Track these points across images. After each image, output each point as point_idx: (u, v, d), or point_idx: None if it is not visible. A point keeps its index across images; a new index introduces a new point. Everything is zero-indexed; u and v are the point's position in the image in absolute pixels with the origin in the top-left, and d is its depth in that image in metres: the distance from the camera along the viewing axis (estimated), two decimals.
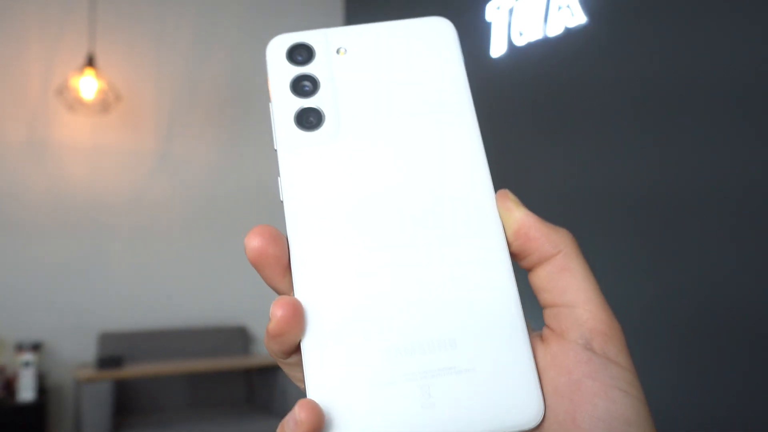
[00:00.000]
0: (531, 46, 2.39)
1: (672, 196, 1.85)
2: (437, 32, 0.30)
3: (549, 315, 0.25)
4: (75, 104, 2.93)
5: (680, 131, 1.85)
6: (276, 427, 0.24)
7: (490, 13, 2.57)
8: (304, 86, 0.29)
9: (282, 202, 0.28)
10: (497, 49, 2.54)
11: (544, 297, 0.25)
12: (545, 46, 2.33)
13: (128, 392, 2.91)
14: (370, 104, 0.28)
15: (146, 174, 3.27)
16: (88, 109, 2.96)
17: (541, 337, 0.25)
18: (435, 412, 0.23)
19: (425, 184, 0.27)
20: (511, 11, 2.47)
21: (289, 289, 0.26)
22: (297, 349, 0.25)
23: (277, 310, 0.24)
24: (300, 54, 0.29)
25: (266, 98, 0.30)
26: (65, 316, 3.02)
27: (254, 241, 0.26)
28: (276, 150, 0.28)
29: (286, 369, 0.27)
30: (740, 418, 1.65)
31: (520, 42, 2.44)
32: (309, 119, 0.28)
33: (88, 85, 2.89)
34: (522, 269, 0.27)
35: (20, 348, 2.76)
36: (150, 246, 3.22)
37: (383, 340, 0.24)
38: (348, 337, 0.24)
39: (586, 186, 2.16)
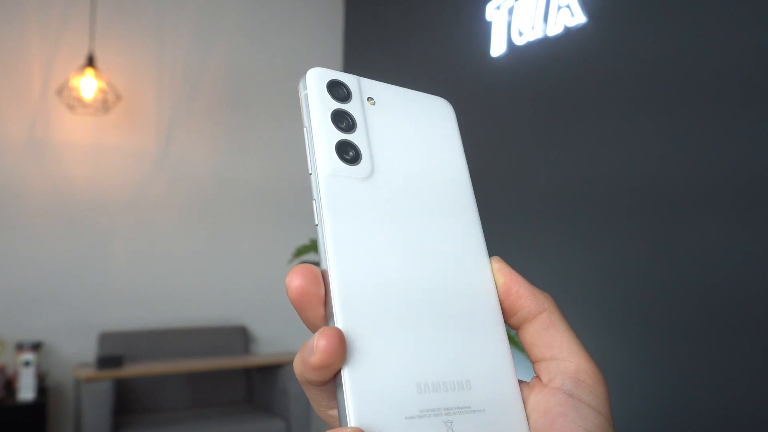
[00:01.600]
0: (531, 46, 2.39)
1: (669, 192, 1.85)
2: (443, 110, 0.35)
3: (538, 368, 0.29)
4: (75, 104, 2.93)
5: (680, 131, 1.85)
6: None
7: (490, 12, 2.57)
8: (343, 121, 0.30)
9: (317, 225, 0.28)
10: (497, 48, 2.54)
11: (534, 352, 0.29)
12: (545, 45, 2.33)
13: (128, 392, 2.91)
14: (396, 157, 0.31)
15: (146, 173, 3.27)
16: (89, 108, 2.97)
17: (529, 386, 0.29)
18: None
19: (438, 233, 0.30)
20: (511, 11, 2.47)
21: (323, 323, 0.27)
22: (332, 379, 0.26)
23: (322, 341, 0.24)
24: (339, 91, 0.31)
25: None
26: (65, 315, 3.02)
27: (296, 281, 0.26)
28: (311, 174, 0.29)
29: (311, 394, 0.28)
30: (743, 411, 1.65)
31: (520, 41, 2.44)
32: (349, 152, 0.30)
33: (88, 85, 2.89)
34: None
35: (20, 347, 2.76)
36: (150, 245, 3.22)
37: (416, 375, 0.27)
38: (386, 370, 0.26)
39: (586, 184, 2.16)
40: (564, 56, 2.25)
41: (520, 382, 0.29)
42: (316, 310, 0.26)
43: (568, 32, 2.23)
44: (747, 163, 1.66)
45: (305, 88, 0.31)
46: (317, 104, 0.30)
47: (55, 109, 3.05)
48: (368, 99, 0.32)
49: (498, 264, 0.30)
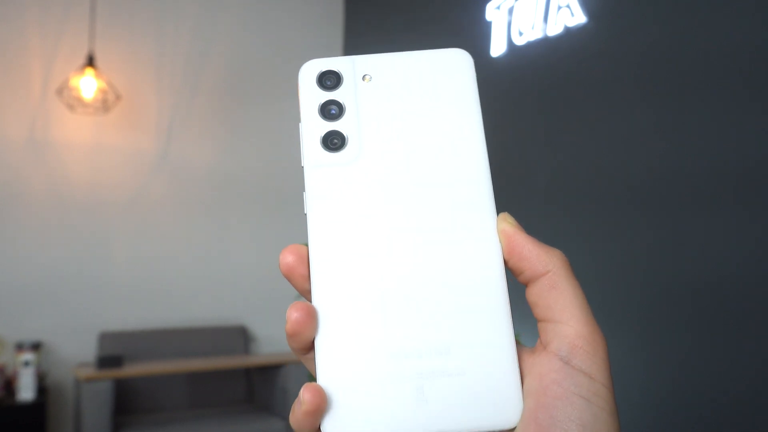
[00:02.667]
0: (531, 46, 2.39)
1: (670, 191, 1.85)
2: (455, 63, 0.32)
3: (540, 328, 0.28)
4: (75, 104, 2.93)
5: (680, 130, 1.85)
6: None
7: (490, 12, 2.57)
8: (331, 110, 0.31)
9: (306, 215, 0.30)
10: (497, 48, 2.54)
11: (536, 312, 0.28)
12: (545, 45, 2.33)
13: (128, 392, 2.91)
14: (389, 131, 0.31)
15: (146, 173, 3.27)
16: (89, 108, 2.97)
17: (533, 348, 0.28)
18: (427, 409, 0.27)
19: (433, 206, 0.29)
20: (511, 11, 2.47)
21: (309, 296, 0.29)
22: (312, 347, 0.28)
23: (292, 313, 0.28)
24: (329, 79, 0.32)
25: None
26: (65, 315, 3.02)
27: (286, 258, 0.29)
28: (303, 167, 0.30)
29: (305, 363, 0.30)
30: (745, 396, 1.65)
31: (520, 41, 2.44)
32: (333, 141, 0.30)
33: (88, 85, 2.89)
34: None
35: (20, 347, 2.76)
36: (150, 245, 3.22)
37: (387, 343, 0.27)
38: (356, 339, 0.28)
39: (586, 183, 2.16)
40: (564, 56, 2.25)
41: (525, 348, 0.28)
42: (303, 284, 0.29)
43: (569, 32, 2.23)
44: (746, 159, 1.66)
45: (298, 83, 0.32)
46: (306, 99, 0.31)
47: (55, 109, 3.05)
48: (364, 77, 0.32)
49: (502, 224, 0.29)
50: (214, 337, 3.21)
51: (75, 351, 2.99)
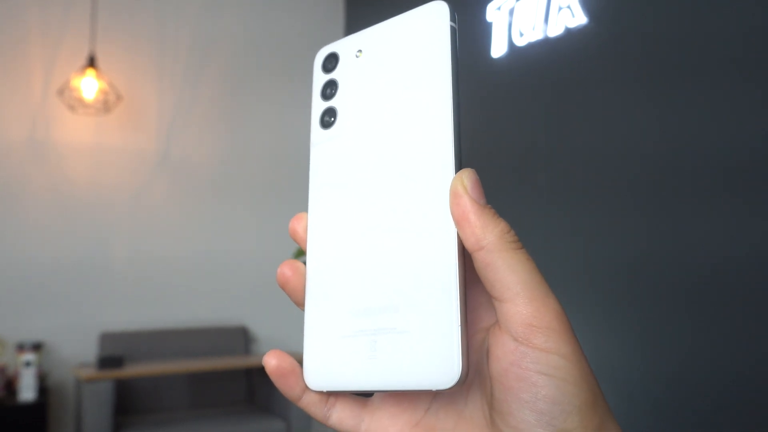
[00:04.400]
0: (531, 47, 2.39)
1: (671, 187, 1.85)
2: (432, 18, 0.31)
3: (494, 306, 0.27)
4: (76, 104, 2.93)
5: (681, 130, 1.85)
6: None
7: (491, 13, 2.57)
8: (328, 90, 0.33)
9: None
10: (498, 49, 2.54)
11: (486, 289, 0.27)
12: (546, 46, 2.33)
13: (129, 392, 2.91)
14: (368, 105, 0.32)
15: (147, 174, 3.27)
16: (89, 109, 2.97)
17: (494, 325, 0.27)
18: (376, 364, 0.29)
19: (400, 176, 0.30)
20: (511, 12, 2.47)
21: None
22: None
23: (282, 268, 0.33)
24: (330, 62, 0.34)
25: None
26: (66, 315, 3.02)
27: (293, 223, 0.33)
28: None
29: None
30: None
31: (520, 42, 2.44)
32: (327, 119, 0.33)
33: (89, 86, 2.90)
34: None
35: (21, 348, 2.77)
36: (150, 245, 3.23)
37: (349, 301, 0.30)
38: (328, 297, 0.31)
39: (587, 183, 2.16)
40: (565, 57, 2.26)
41: (494, 324, 0.28)
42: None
43: (569, 33, 2.23)
44: (745, 157, 1.66)
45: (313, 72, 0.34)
46: (314, 84, 0.34)
47: (56, 110, 3.05)
48: (358, 52, 0.33)
49: (455, 183, 0.27)
50: (215, 338, 3.21)
51: (76, 351, 3.00)
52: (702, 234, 1.76)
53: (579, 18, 2.19)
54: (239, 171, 3.45)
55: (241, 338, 3.26)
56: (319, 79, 0.34)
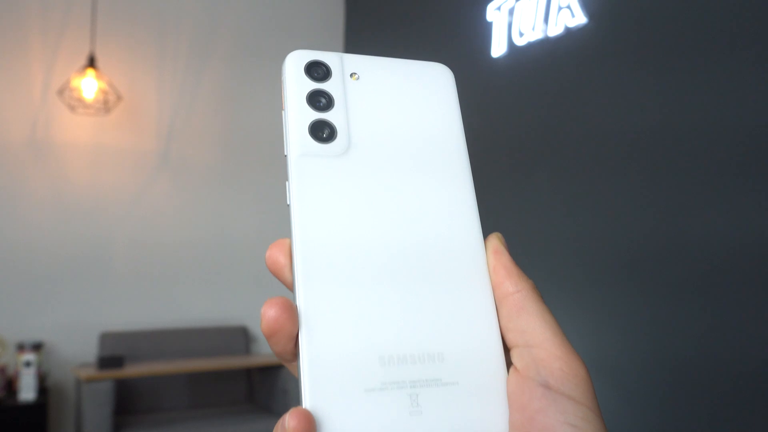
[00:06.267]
0: (531, 46, 2.39)
1: (669, 187, 1.85)
2: (439, 77, 0.33)
3: (513, 355, 0.27)
4: (76, 104, 2.93)
5: (682, 125, 1.85)
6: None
7: (491, 13, 2.57)
8: (319, 101, 0.30)
9: (288, 205, 0.28)
10: (498, 49, 2.54)
11: (508, 338, 0.27)
12: (546, 46, 2.33)
13: (129, 392, 2.91)
14: (378, 130, 0.30)
15: (147, 174, 3.27)
16: (90, 109, 2.97)
17: (510, 376, 0.27)
18: (421, 420, 0.25)
19: (424, 209, 0.29)
20: (511, 11, 2.48)
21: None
22: (296, 351, 0.26)
23: (268, 310, 0.25)
24: (317, 71, 0.31)
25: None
26: (66, 315, 3.02)
27: (270, 251, 0.28)
28: (286, 156, 0.29)
29: (291, 370, 0.28)
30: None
31: (520, 42, 2.44)
32: (323, 132, 0.30)
33: (89, 86, 2.90)
34: None
35: (21, 348, 2.77)
36: (151, 246, 3.23)
37: (378, 348, 0.26)
38: (345, 342, 0.26)
39: (587, 184, 2.16)
40: (565, 57, 2.26)
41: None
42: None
43: (569, 33, 2.23)
44: (748, 147, 1.66)
45: (284, 71, 0.31)
46: (293, 86, 0.30)
47: (56, 110, 3.05)
48: (351, 75, 0.32)
49: (495, 241, 0.29)
50: (215, 338, 3.21)
51: (76, 351, 3.00)
52: (707, 224, 1.76)
53: (579, 18, 2.19)
54: (239, 171, 3.45)
55: (241, 338, 3.26)
56: (303, 84, 0.30)
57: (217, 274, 3.34)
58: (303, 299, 0.26)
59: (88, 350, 3.01)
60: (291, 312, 0.25)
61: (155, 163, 3.29)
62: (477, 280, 0.28)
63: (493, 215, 2.42)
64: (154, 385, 2.98)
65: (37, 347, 2.80)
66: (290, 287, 0.27)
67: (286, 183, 0.28)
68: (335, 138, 0.29)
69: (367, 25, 3.63)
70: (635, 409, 1.90)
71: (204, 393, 3.09)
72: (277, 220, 3.41)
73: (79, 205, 3.11)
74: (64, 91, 2.90)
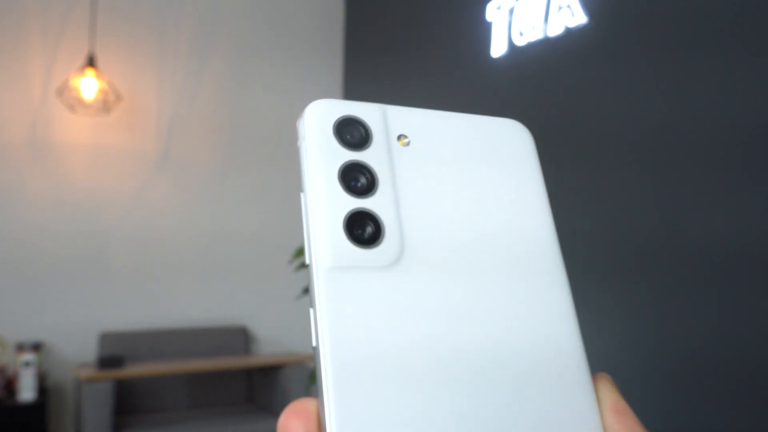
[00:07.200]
0: (531, 46, 2.39)
1: (671, 183, 1.85)
2: (516, 139, 0.26)
3: None
4: (76, 104, 2.93)
5: (683, 124, 1.85)
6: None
7: (491, 13, 2.57)
8: (358, 180, 0.22)
9: (315, 348, 0.20)
10: (498, 49, 2.54)
11: None
12: (546, 46, 2.33)
13: (129, 392, 2.91)
14: (444, 223, 0.22)
15: (147, 174, 3.27)
16: (89, 109, 2.97)
17: None
18: None
19: (507, 348, 0.21)
20: (511, 11, 2.47)
21: None
22: None
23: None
24: (353, 132, 0.22)
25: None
26: (66, 316, 3.02)
27: (291, 422, 0.20)
28: (308, 265, 0.20)
29: None
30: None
31: (520, 42, 2.44)
32: (365, 228, 0.21)
33: (88, 86, 2.89)
34: None
35: (21, 348, 2.76)
36: (150, 246, 3.23)
37: None
38: None
39: (587, 184, 2.16)
40: (565, 57, 2.25)
41: None
42: None
43: (569, 32, 2.23)
44: (754, 144, 1.66)
45: (303, 132, 0.22)
46: (319, 156, 0.21)
47: (55, 110, 3.05)
48: (399, 137, 0.23)
49: (617, 398, 0.23)
50: (215, 338, 3.21)
51: (76, 351, 2.99)
52: (708, 224, 1.76)
53: (579, 17, 2.19)
54: (239, 172, 3.45)
55: (241, 338, 3.26)
56: (332, 151, 0.21)
57: (217, 275, 3.33)
58: None
59: (88, 350, 3.01)
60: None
61: (155, 163, 3.29)
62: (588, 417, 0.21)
63: None
64: (154, 386, 2.98)
65: (36, 347, 2.79)
66: None
67: (310, 310, 0.20)
68: (382, 239, 0.21)
69: (367, 25, 3.63)
70: (640, 405, 1.89)
71: (204, 393, 3.09)
72: (277, 221, 3.41)
73: (78, 205, 3.10)
74: (63, 91, 2.90)
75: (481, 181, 0.23)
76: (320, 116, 0.22)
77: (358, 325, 0.19)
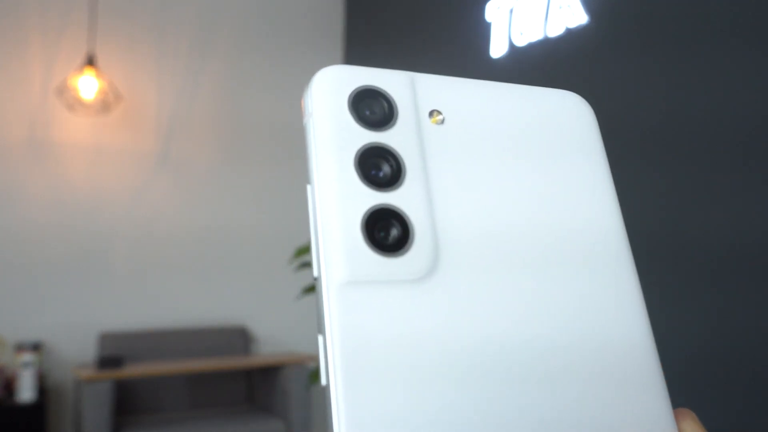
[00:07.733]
0: (531, 46, 2.39)
1: (672, 183, 1.85)
2: (573, 114, 0.19)
3: None
4: (75, 104, 2.93)
5: (682, 128, 1.84)
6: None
7: (491, 13, 2.57)
8: (380, 168, 0.17)
9: (325, 388, 0.16)
10: (498, 49, 2.54)
11: None
12: (546, 46, 2.33)
13: (128, 392, 2.91)
14: (489, 221, 0.17)
15: (147, 174, 3.27)
16: (89, 109, 2.96)
17: None
18: None
19: (569, 372, 0.17)
20: (511, 11, 2.47)
21: None
22: None
23: None
24: (373, 107, 0.17)
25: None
26: (65, 316, 3.01)
27: None
28: (317, 278, 0.16)
29: None
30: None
31: (520, 42, 2.43)
32: (388, 232, 0.16)
33: (88, 85, 2.89)
34: None
35: (20, 348, 2.76)
36: (150, 246, 3.22)
37: None
38: None
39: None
40: (565, 57, 2.25)
41: None
42: None
43: (569, 32, 2.23)
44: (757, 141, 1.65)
45: (311, 107, 0.17)
46: (331, 139, 0.17)
47: (55, 110, 3.04)
48: (431, 114, 0.18)
49: (691, 425, 0.21)
50: (215, 338, 3.20)
51: (75, 351, 2.99)
52: (708, 223, 1.76)
53: (579, 17, 2.19)
54: (240, 172, 3.44)
55: (241, 338, 3.26)
56: (348, 131, 0.17)
57: (217, 274, 3.33)
58: None
59: (88, 350, 3.00)
60: None
61: (155, 163, 3.29)
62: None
63: None
64: (154, 386, 2.98)
65: (36, 347, 2.79)
66: None
67: (319, 337, 0.16)
68: (410, 245, 0.16)
69: (367, 25, 3.63)
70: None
71: (204, 393, 3.08)
72: (277, 220, 3.41)
73: (78, 205, 3.10)
74: (62, 90, 2.89)
75: (532, 166, 0.19)
76: (332, 87, 0.17)
77: (375, 352, 0.15)
